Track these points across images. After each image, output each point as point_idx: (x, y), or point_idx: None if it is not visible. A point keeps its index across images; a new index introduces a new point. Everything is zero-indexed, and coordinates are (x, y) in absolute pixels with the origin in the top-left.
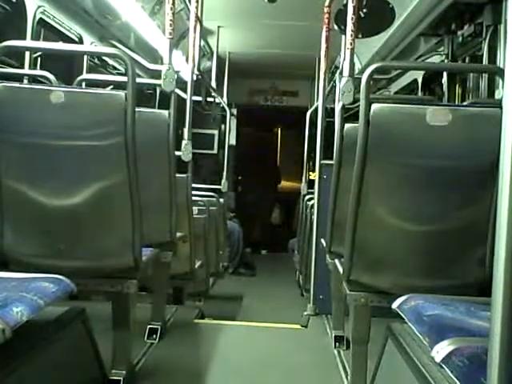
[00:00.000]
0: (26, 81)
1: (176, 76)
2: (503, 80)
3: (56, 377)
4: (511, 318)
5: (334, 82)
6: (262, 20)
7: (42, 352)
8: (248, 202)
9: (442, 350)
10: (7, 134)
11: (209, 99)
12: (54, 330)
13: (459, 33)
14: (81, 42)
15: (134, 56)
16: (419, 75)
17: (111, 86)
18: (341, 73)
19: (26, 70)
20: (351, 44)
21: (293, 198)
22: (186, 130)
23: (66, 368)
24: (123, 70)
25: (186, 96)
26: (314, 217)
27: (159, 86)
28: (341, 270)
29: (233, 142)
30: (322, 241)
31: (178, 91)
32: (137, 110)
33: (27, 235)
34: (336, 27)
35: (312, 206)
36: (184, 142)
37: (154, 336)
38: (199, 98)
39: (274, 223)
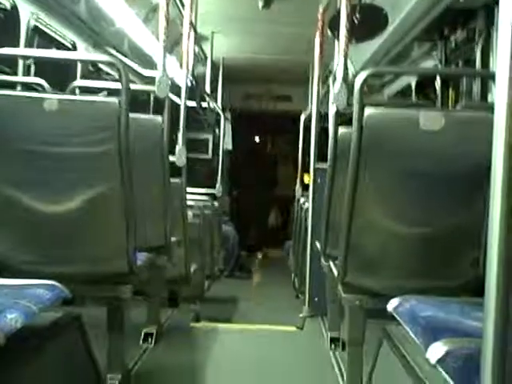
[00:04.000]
0: (19, 88)
1: (170, 82)
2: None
3: (52, 382)
4: (504, 318)
5: (328, 86)
6: (256, 26)
7: (37, 358)
8: (245, 205)
9: (436, 350)
10: (1, 141)
11: (203, 104)
12: (50, 335)
13: (452, 38)
14: (74, 48)
15: (127, 62)
16: (413, 79)
17: (105, 92)
18: (335, 78)
19: (20, 77)
20: (345, 49)
21: (289, 201)
22: (180, 135)
23: (61, 373)
24: (117, 76)
25: (180, 101)
26: (309, 220)
27: (153, 92)
28: (335, 272)
29: (228, 146)
30: (317, 243)
31: (172, 96)
32: (130, 115)
33: (21, 242)
34: (330, 33)
35: (307, 209)
36: (178, 147)
37: (150, 340)
38: (193, 104)
39: (271, 226)
